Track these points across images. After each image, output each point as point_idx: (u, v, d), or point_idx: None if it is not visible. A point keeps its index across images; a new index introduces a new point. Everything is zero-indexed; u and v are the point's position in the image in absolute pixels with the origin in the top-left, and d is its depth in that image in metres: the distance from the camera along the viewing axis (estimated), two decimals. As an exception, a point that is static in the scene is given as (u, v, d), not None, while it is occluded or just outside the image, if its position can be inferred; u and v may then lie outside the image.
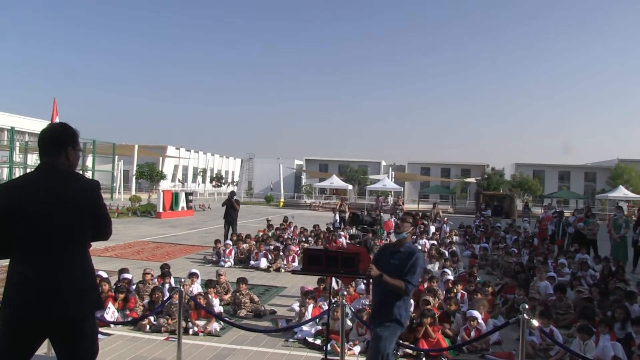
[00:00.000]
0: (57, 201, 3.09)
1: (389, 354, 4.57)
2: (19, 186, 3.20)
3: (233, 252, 13.85)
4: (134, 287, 8.78)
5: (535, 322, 5.81)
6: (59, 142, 3.28)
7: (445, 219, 24.35)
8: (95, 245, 15.38)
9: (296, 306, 8.41)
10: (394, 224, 18.52)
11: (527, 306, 5.31)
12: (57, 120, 18.02)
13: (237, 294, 8.72)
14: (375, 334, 4.63)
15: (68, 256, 3.12)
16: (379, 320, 4.66)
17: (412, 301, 8.53)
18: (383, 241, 16.71)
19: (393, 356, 4.72)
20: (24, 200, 3.08)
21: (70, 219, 3.12)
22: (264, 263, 13.08)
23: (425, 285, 9.87)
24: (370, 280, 4.59)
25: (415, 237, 17.96)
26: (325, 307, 7.77)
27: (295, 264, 13.09)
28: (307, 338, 7.17)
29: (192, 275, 9.20)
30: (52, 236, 3.08)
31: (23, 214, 3.06)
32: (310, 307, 7.97)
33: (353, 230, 19.39)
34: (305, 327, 7.37)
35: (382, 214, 25.60)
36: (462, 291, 9.23)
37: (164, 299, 7.76)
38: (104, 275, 9.00)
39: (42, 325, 3.05)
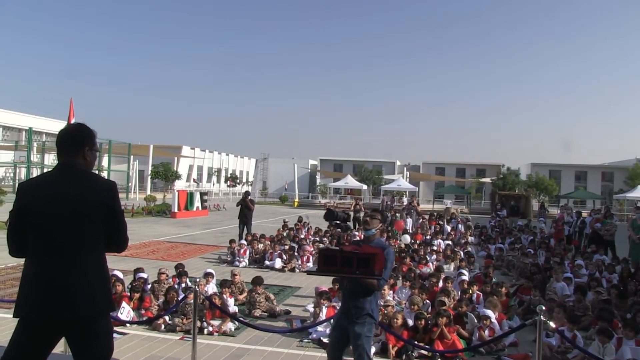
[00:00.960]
0: (73, 201, 3.11)
1: (369, 350, 4.66)
2: (36, 186, 3.22)
3: (248, 252, 13.87)
4: (149, 286, 8.81)
5: (552, 324, 5.74)
6: (76, 142, 3.31)
7: (460, 218, 24.20)
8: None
9: (310, 307, 8.39)
10: (404, 223, 18.41)
11: (543, 307, 5.25)
12: (73, 120, 18.15)
13: (253, 293, 8.73)
14: (352, 331, 4.64)
15: (81, 257, 3.12)
16: (351, 315, 4.67)
17: (427, 301, 8.49)
18: (398, 241, 16.67)
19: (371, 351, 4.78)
20: (41, 200, 3.12)
21: (85, 219, 3.13)
22: (278, 263, 13.08)
23: (440, 285, 9.82)
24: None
25: (429, 237, 17.92)
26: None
27: (310, 264, 13.08)
28: (321, 338, 7.15)
29: (207, 275, 9.21)
30: (67, 236, 3.09)
31: (39, 213, 3.10)
32: (325, 307, 7.95)
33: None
34: (320, 328, 7.35)
35: (397, 213, 25.53)
36: (477, 292, 9.16)
37: (179, 298, 7.78)
38: (120, 275, 9.05)
39: (55, 324, 3.07)
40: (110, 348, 3.28)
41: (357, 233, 18.44)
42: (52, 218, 3.08)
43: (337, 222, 4.67)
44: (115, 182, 3.48)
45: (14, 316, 3.10)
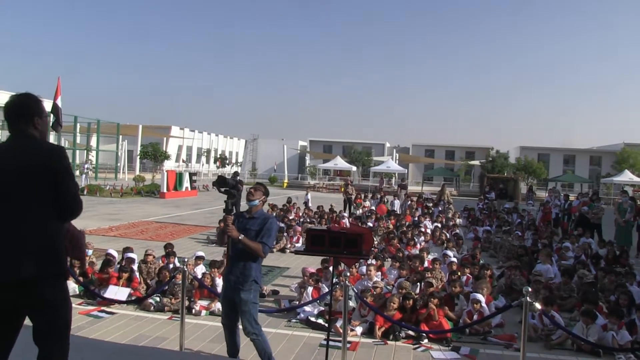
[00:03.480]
0: (12, 170, 3.11)
1: (256, 315, 4.94)
2: None
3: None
4: (136, 266, 8.81)
5: (538, 306, 5.80)
6: (24, 113, 3.30)
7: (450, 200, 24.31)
8: (100, 225, 15.46)
9: (295, 286, 8.43)
10: (385, 207, 18.38)
11: (529, 289, 5.31)
12: (60, 99, 17.93)
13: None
14: (239, 298, 4.85)
15: (22, 222, 3.10)
16: (237, 281, 4.86)
17: (409, 283, 8.50)
18: (386, 223, 16.72)
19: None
20: None
21: (25, 185, 3.11)
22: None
23: (426, 264, 9.89)
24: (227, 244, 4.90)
25: (417, 218, 17.99)
26: (326, 288, 7.78)
27: (299, 244, 13.10)
28: (309, 318, 7.19)
29: (198, 259, 9.21)
30: (7, 203, 3.10)
31: None
32: (310, 288, 7.99)
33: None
34: (307, 308, 7.39)
35: (386, 195, 25.62)
36: (468, 274, 9.21)
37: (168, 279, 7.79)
38: (115, 254, 9.05)
39: (3, 288, 3.06)
40: (64, 319, 3.24)
41: (345, 214, 18.52)
42: None
43: (227, 188, 4.75)
44: (63, 147, 3.42)
45: None
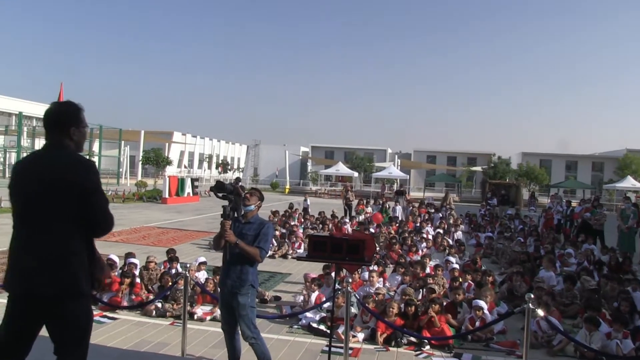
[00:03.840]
0: (44, 180, 3.09)
1: (254, 320, 4.99)
2: (21, 163, 3.32)
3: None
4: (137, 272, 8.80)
5: (540, 312, 5.79)
6: (60, 122, 3.25)
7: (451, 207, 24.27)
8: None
9: (301, 298, 8.40)
10: (381, 216, 18.28)
11: (532, 296, 5.30)
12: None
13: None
14: (237, 302, 4.87)
15: (46, 235, 3.09)
16: (234, 286, 4.88)
17: (412, 289, 8.48)
18: (388, 229, 16.71)
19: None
20: (20, 176, 3.22)
21: (53, 198, 3.08)
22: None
23: (428, 271, 9.87)
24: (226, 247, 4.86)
25: (419, 224, 17.96)
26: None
27: (301, 250, 13.09)
28: (311, 324, 7.18)
29: (201, 264, 9.20)
30: (35, 215, 3.11)
31: (15, 192, 3.21)
32: (315, 294, 7.97)
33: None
34: (309, 314, 7.38)
35: (387, 201, 25.60)
36: (469, 281, 9.19)
37: (170, 284, 7.78)
38: (116, 259, 9.05)
39: (24, 299, 3.10)
40: (79, 336, 3.20)
41: (347, 220, 18.51)
42: (24, 196, 3.15)
43: (225, 193, 4.77)
44: (92, 161, 3.34)
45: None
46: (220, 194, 4.78)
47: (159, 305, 7.58)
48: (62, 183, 3.08)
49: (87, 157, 3.70)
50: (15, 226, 3.20)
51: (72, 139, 3.26)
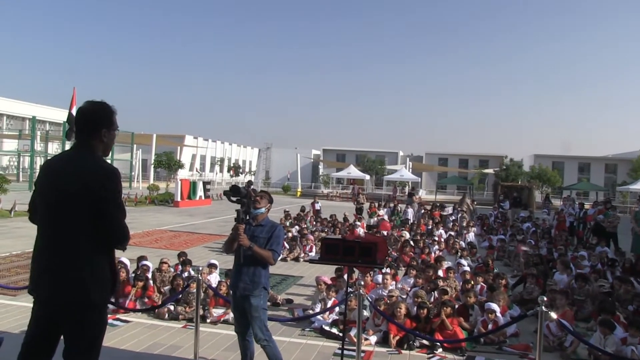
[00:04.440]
0: (68, 186, 3.04)
1: (266, 321, 5.04)
2: (48, 163, 3.31)
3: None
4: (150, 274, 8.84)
5: (554, 315, 5.75)
6: (90, 123, 3.19)
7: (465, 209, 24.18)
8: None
9: (318, 306, 8.33)
10: (390, 225, 18.18)
11: (545, 298, 5.26)
12: (75, 109, 18.07)
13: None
14: (249, 304, 4.91)
15: (68, 240, 3.06)
16: (246, 288, 4.92)
17: (424, 292, 8.45)
18: (400, 231, 16.66)
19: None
20: (43, 176, 3.22)
21: (74, 203, 3.03)
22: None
23: (440, 273, 9.83)
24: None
25: (431, 226, 17.90)
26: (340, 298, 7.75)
27: (313, 253, 13.10)
28: (323, 327, 7.18)
29: (211, 266, 9.23)
30: (55, 218, 3.09)
31: (38, 192, 3.23)
32: (331, 301, 7.93)
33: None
34: (321, 317, 7.38)
35: (399, 204, 25.56)
36: (482, 283, 9.15)
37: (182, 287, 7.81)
38: (126, 262, 9.09)
39: (44, 304, 3.13)
40: (89, 346, 3.18)
41: (359, 223, 18.48)
42: (45, 198, 3.16)
43: (239, 197, 4.80)
44: (114, 169, 3.21)
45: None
46: (234, 198, 4.81)
47: (172, 308, 7.62)
48: (82, 190, 3.02)
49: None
50: (37, 228, 3.23)
51: (102, 140, 3.23)
